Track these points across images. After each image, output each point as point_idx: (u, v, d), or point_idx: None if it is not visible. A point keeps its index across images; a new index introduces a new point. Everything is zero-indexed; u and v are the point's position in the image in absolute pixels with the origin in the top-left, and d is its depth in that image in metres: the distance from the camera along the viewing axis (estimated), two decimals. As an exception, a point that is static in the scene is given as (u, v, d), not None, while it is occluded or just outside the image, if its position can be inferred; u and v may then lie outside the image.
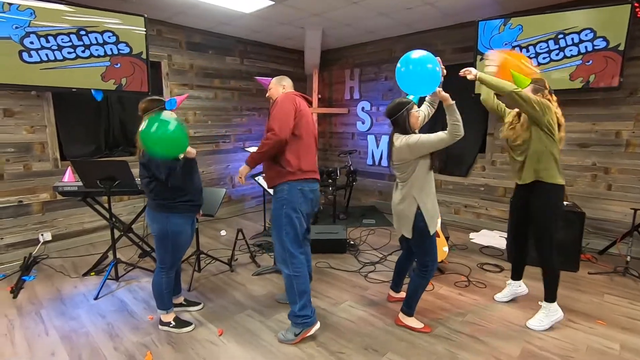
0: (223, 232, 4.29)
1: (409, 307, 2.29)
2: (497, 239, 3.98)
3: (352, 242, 3.81)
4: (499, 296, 2.67)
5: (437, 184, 3.80)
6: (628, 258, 3.12)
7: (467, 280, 2.97)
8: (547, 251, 2.29)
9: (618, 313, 2.48)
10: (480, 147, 4.45)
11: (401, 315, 2.32)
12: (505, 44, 3.61)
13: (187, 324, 2.30)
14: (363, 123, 5.60)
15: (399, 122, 2.09)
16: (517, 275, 2.62)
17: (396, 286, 2.63)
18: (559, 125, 2.22)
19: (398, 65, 2.03)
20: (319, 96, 5.60)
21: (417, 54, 1.97)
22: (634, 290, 2.81)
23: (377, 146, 5.45)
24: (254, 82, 5.33)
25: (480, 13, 3.86)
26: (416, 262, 2.29)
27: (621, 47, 3.16)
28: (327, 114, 6.04)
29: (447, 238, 3.16)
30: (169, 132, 1.84)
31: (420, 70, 1.94)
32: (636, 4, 3.05)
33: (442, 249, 2.93)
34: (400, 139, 2.07)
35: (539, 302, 2.38)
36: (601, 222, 3.65)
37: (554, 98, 2.26)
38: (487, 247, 3.77)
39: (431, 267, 2.20)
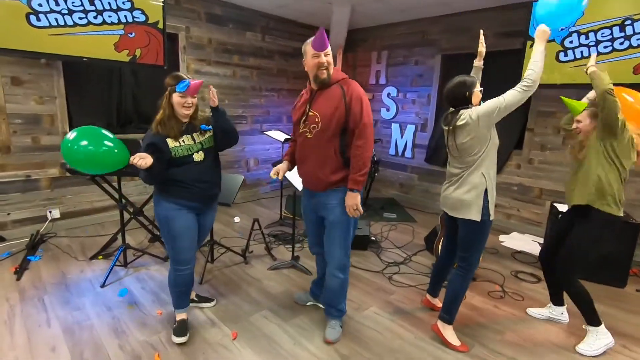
0: (237, 219, 4.09)
1: (448, 314, 2.05)
2: (530, 243, 3.68)
3: (373, 238, 3.56)
4: (532, 311, 2.41)
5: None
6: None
7: (502, 291, 2.71)
8: (568, 275, 2.07)
9: (678, 341, 2.20)
10: (516, 143, 4.10)
11: (440, 323, 2.08)
12: (562, 29, 3.20)
13: (182, 332, 1.98)
14: (388, 110, 5.26)
15: (460, 104, 1.91)
16: (557, 300, 2.34)
17: (434, 290, 2.39)
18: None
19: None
20: (343, 79, 5.25)
21: None
22: (691, 314, 2.52)
23: (402, 136, 5.13)
24: (274, 61, 5.02)
25: (533, -7, 3.44)
26: (458, 258, 2.04)
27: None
28: (350, 99, 5.69)
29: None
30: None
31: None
32: None
33: None
34: (468, 114, 1.83)
35: (584, 326, 2.12)
36: (650, 234, 3.31)
37: None
38: (519, 252, 3.48)
39: (476, 262, 2.00)
